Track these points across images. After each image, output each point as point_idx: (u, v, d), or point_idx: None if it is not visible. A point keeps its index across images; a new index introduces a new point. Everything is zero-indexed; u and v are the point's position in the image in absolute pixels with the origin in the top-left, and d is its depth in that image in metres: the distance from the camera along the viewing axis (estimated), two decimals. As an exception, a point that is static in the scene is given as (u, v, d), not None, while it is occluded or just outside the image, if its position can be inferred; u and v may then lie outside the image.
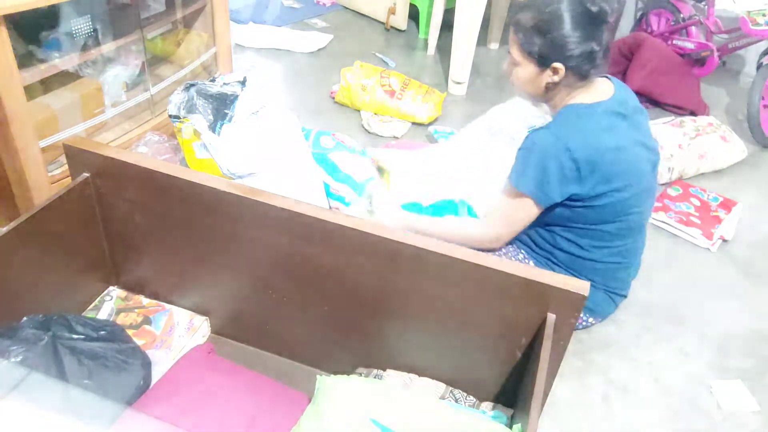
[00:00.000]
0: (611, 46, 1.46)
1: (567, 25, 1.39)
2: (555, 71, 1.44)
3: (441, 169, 1.91)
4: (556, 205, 1.49)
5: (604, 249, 1.55)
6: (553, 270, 1.60)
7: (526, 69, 1.48)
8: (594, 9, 1.38)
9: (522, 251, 1.66)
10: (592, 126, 1.44)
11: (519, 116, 2.08)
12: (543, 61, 1.44)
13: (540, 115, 2.09)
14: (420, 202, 1.81)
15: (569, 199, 1.46)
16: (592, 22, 1.39)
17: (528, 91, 1.54)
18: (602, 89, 1.49)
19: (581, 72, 1.44)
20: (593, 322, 1.70)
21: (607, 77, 1.53)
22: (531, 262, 1.63)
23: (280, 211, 1.24)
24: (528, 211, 1.51)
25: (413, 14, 3.63)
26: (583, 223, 1.52)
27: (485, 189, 1.83)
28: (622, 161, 1.45)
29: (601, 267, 1.57)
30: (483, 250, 1.52)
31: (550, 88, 1.49)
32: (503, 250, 1.69)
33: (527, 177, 1.46)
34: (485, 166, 1.92)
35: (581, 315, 1.65)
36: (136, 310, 1.53)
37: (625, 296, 1.68)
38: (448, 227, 1.62)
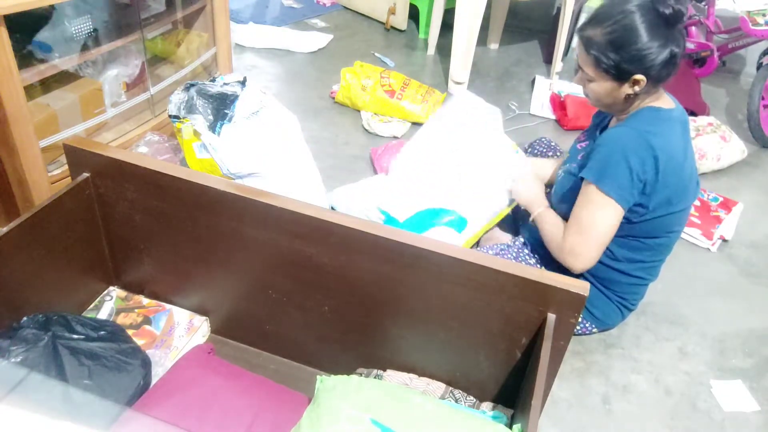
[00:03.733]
0: (686, 45, 1.41)
1: (643, 37, 1.33)
2: (636, 83, 1.38)
3: (409, 177, 1.87)
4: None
5: (636, 263, 1.53)
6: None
7: (603, 85, 1.42)
8: (668, 12, 1.31)
9: (535, 256, 1.64)
10: (670, 130, 1.40)
11: (468, 112, 2.03)
12: (622, 76, 1.38)
13: (490, 111, 2.04)
14: (395, 216, 1.79)
15: (636, 204, 1.41)
16: (668, 26, 1.33)
17: (605, 103, 1.47)
18: (669, 100, 1.47)
19: (663, 78, 1.40)
20: (596, 331, 1.69)
21: (668, 95, 1.51)
22: (542, 268, 1.62)
23: (280, 211, 1.24)
24: (606, 214, 1.40)
25: (413, 14, 3.63)
26: (627, 234, 1.48)
27: (461, 193, 1.82)
28: (684, 175, 1.42)
29: (624, 280, 1.56)
30: (569, 268, 1.47)
31: (629, 98, 1.43)
32: (515, 251, 1.65)
33: (610, 175, 1.37)
34: (452, 168, 1.89)
35: (587, 323, 1.64)
36: (136, 310, 1.53)
37: (634, 309, 1.68)
38: (549, 229, 1.54)
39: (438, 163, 1.92)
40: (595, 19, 1.40)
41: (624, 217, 1.42)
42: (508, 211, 1.85)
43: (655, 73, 1.37)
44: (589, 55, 1.40)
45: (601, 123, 1.64)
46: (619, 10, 1.36)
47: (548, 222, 1.55)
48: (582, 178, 1.43)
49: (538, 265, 1.63)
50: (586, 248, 1.42)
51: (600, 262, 1.50)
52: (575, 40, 1.46)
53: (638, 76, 1.37)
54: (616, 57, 1.36)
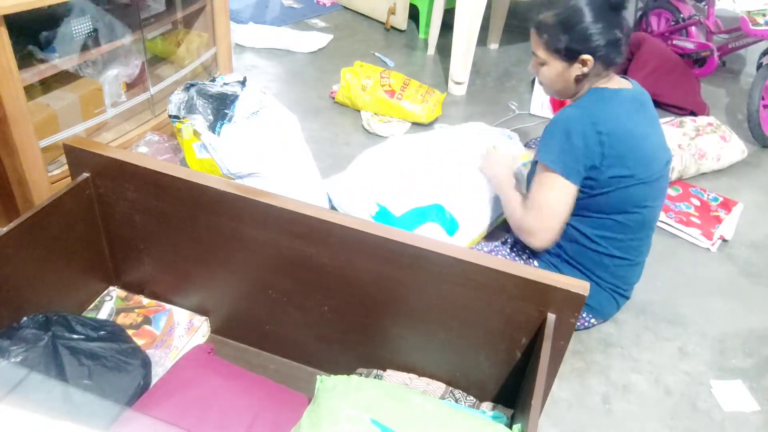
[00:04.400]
0: (630, 31, 1.51)
1: (588, 17, 1.44)
2: (584, 63, 1.47)
3: (408, 173, 1.88)
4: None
5: (612, 240, 1.55)
6: (560, 266, 1.60)
7: (554, 66, 1.52)
8: (612, 0, 1.43)
9: (527, 251, 1.66)
10: (617, 107, 1.48)
11: (472, 136, 2.08)
12: (570, 56, 1.48)
13: (503, 136, 2.09)
14: (392, 211, 1.80)
15: (587, 179, 1.47)
16: (612, 11, 1.44)
17: (557, 87, 1.57)
18: (622, 82, 1.54)
19: (609, 60, 1.48)
20: (595, 322, 1.70)
21: (626, 78, 1.57)
22: (535, 263, 1.63)
23: (280, 211, 1.24)
24: (559, 192, 1.47)
25: (413, 14, 3.63)
26: (596, 212, 1.52)
27: (461, 191, 1.83)
28: (641, 148, 1.47)
29: (608, 262, 1.57)
30: (529, 246, 1.56)
31: (579, 80, 1.52)
32: (507, 249, 1.68)
33: (553, 151, 1.47)
34: (452, 168, 1.90)
35: (584, 314, 1.65)
36: (136, 310, 1.53)
37: (628, 297, 1.68)
38: (511, 206, 1.61)
39: (438, 163, 1.93)
40: (547, 6, 1.51)
41: (583, 192, 1.49)
42: None
43: (601, 54, 1.46)
44: (540, 38, 1.51)
45: None
46: None
47: (511, 200, 1.62)
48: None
49: (531, 260, 1.64)
50: (541, 226, 1.51)
51: (580, 245, 1.56)
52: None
53: (585, 56, 1.46)
54: (564, 37, 1.47)
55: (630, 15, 3.72)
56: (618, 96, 1.49)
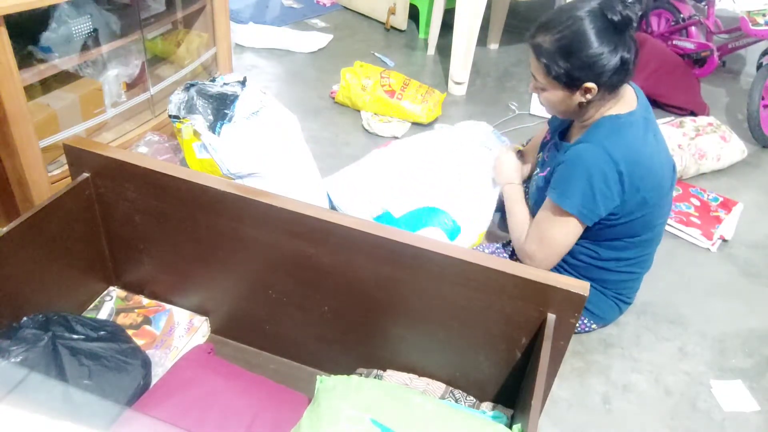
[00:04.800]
0: (638, 49, 1.40)
1: (593, 43, 1.31)
2: (587, 91, 1.36)
3: (408, 174, 1.87)
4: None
5: (623, 261, 1.54)
6: (563, 274, 1.59)
7: (555, 93, 1.40)
8: (616, 18, 1.30)
9: None
10: (633, 137, 1.38)
11: (472, 136, 2.07)
12: (573, 83, 1.36)
13: (492, 135, 2.08)
14: (391, 212, 1.79)
15: (609, 215, 1.41)
16: (618, 32, 1.31)
17: (559, 110, 1.46)
18: (629, 96, 1.45)
19: (615, 85, 1.37)
20: (596, 327, 1.69)
21: (630, 84, 1.49)
22: None
23: (280, 211, 1.24)
24: (568, 230, 1.43)
25: (413, 14, 3.63)
26: (610, 238, 1.49)
27: (461, 193, 1.82)
28: (656, 174, 1.42)
29: (616, 277, 1.57)
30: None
31: (582, 106, 1.41)
32: (510, 250, 1.68)
33: (572, 194, 1.38)
34: (452, 168, 1.89)
35: (585, 320, 1.65)
36: (136, 310, 1.53)
37: (630, 303, 1.68)
38: (515, 219, 1.59)
39: (438, 163, 1.93)
40: (545, 25, 1.37)
41: (601, 223, 1.43)
42: None
43: (606, 81, 1.34)
44: (539, 63, 1.38)
45: (559, 126, 1.62)
46: (568, 16, 1.33)
47: (519, 218, 1.60)
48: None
49: None
50: (544, 257, 1.48)
51: (588, 264, 1.54)
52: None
53: (589, 84, 1.34)
54: (565, 64, 1.33)
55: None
56: (630, 122, 1.39)
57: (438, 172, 1.89)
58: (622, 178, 1.35)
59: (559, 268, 1.59)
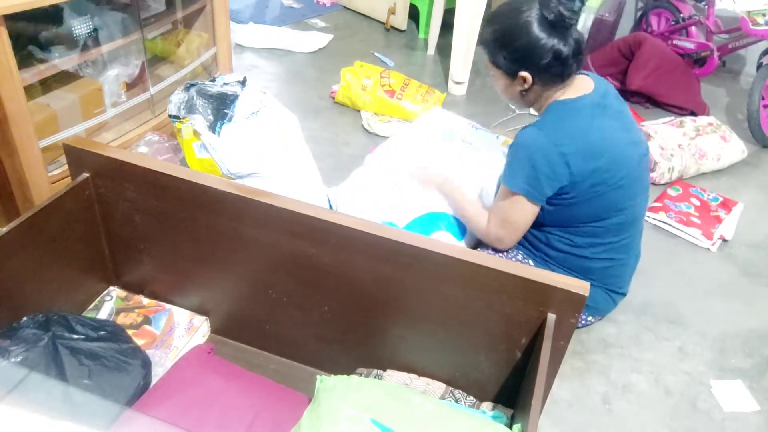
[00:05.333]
0: (584, 43, 1.46)
1: (527, 36, 1.40)
2: (524, 80, 1.46)
3: (402, 181, 1.85)
4: (550, 204, 1.49)
5: (599, 246, 1.55)
6: (550, 270, 1.60)
7: (499, 80, 1.54)
8: (551, 17, 1.37)
9: (520, 252, 1.66)
10: (579, 120, 1.44)
11: (449, 131, 2.06)
12: (510, 72, 1.48)
13: (469, 124, 2.08)
14: (395, 222, 1.77)
15: (562, 194, 1.46)
16: (553, 28, 1.39)
17: (507, 98, 1.59)
18: (583, 84, 1.50)
19: (552, 76, 1.44)
20: (593, 320, 1.70)
21: (584, 73, 1.53)
22: (530, 262, 1.64)
23: (280, 211, 1.24)
24: (523, 210, 1.51)
25: (413, 14, 3.63)
26: (578, 222, 1.52)
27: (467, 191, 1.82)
28: (609, 153, 1.44)
29: (597, 266, 1.57)
30: (494, 249, 1.61)
31: (524, 95, 1.52)
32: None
33: (518, 176, 1.47)
34: (450, 170, 1.89)
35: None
36: (136, 310, 1.53)
37: (625, 294, 1.68)
38: (470, 213, 1.64)
39: (438, 164, 1.92)
40: (491, 18, 1.50)
41: (560, 206, 1.48)
42: None
43: (539, 72, 1.43)
44: (485, 51, 1.51)
45: None
46: (509, 9, 1.44)
47: (466, 206, 1.66)
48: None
49: (526, 260, 1.65)
50: (508, 237, 1.57)
51: (566, 253, 1.57)
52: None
53: (523, 74, 1.45)
54: (501, 53, 1.46)
55: (630, 14, 3.72)
56: (578, 107, 1.45)
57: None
58: (567, 159, 1.41)
59: (542, 262, 1.61)
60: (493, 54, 1.48)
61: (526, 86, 1.48)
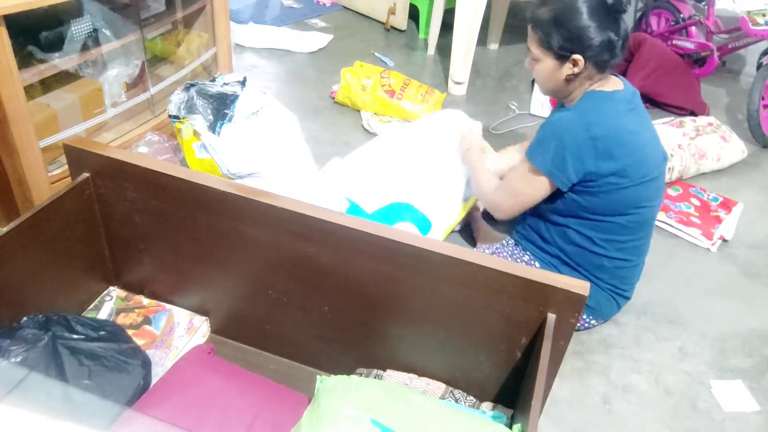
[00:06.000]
0: (628, 35, 1.49)
1: (584, 17, 1.42)
2: (575, 63, 1.46)
3: (378, 169, 1.91)
4: (573, 190, 1.50)
5: (614, 243, 1.56)
6: (559, 267, 1.61)
7: (546, 64, 1.51)
8: (609, 0, 1.41)
9: (528, 253, 1.66)
10: (613, 109, 1.47)
11: (449, 125, 2.09)
12: (562, 54, 1.47)
13: (471, 125, 2.10)
14: (364, 208, 1.82)
15: (585, 181, 1.47)
16: (608, 13, 1.42)
17: (549, 85, 1.56)
18: (615, 81, 1.54)
19: (601, 62, 1.46)
20: (595, 323, 1.70)
21: (617, 76, 1.56)
22: (537, 264, 1.63)
23: (280, 211, 1.24)
24: (538, 188, 1.52)
25: (413, 14, 3.63)
26: (596, 214, 1.53)
27: (430, 188, 1.85)
28: (638, 148, 1.47)
29: (609, 264, 1.58)
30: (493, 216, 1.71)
31: (570, 80, 1.51)
32: (509, 251, 1.69)
33: (545, 154, 1.48)
34: (421, 162, 1.93)
35: (584, 315, 1.65)
36: (136, 310, 1.53)
37: (629, 298, 1.69)
38: (482, 177, 1.73)
39: (407, 156, 1.94)
40: (546, 1, 1.51)
41: (582, 194, 1.50)
42: (475, 199, 1.93)
43: (592, 55, 1.45)
44: (535, 33, 1.50)
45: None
46: None
47: (481, 174, 1.75)
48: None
49: (532, 261, 1.64)
50: (510, 209, 1.62)
51: (582, 248, 1.57)
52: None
53: (576, 57, 1.45)
54: (557, 34, 1.45)
55: (630, 15, 3.72)
56: (612, 99, 1.49)
57: (407, 165, 1.91)
58: (596, 143, 1.43)
59: (555, 258, 1.62)
60: (547, 34, 1.47)
61: (576, 70, 1.47)
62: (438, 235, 1.83)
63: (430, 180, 1.87)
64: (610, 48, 1.43)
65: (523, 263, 1.64)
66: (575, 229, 1.56)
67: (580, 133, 1.43)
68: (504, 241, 1.76)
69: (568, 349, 1.21)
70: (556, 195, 1.54)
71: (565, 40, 1.45)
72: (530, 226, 1.67)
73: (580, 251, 1.58)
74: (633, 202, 1.51)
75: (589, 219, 1.54)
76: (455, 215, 1.89)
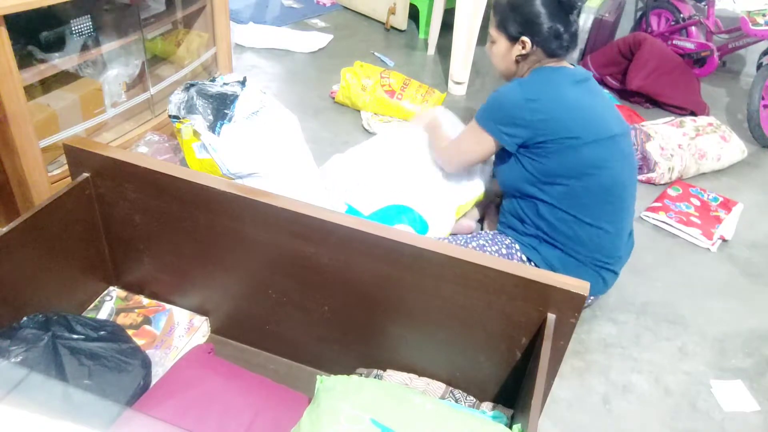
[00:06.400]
0: (577, 33, 1.64)
1: (536, 4, 1.59)
2: (523, 45, 1.63)
3: (375, 171, 1.94)
4: (527, 155, 1.61)
5: (578, 208, 1.58)
6: (538, 247, 1.63)
7: (500, 45, 1.69)
8: None
9: (509, 237, 1.67)
10: (555, 79, 1.62)
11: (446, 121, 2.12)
12: (513, 35, 1.64)
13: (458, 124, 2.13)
14: (358, 209, 1.84)
15: (536, 144, 1.58)
16: (560, 7, 1.58)
17: (502, 66, 1.74)
18: (567, 65, 1.67)
19: (548, 49, 1.62)
20: (587, 301, 1.69)
21: (571, 63, 1.69)
22: (517, 246, 1.65)
23: (280, 211, 1.24)
24: (479, 143, 1.70)
25: (413, 14, 3.63)
26: (553, 177, 1.58)
27: (428, 193, 1.87)
28: (581, 111, 1.58)
29: (583, 234, 1.59)
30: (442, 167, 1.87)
31: (519, 61, 1.68)
32: (490, 234, 1.71)
33: (488, 115, 1.66)
34: (416, 167, 1.95)
35: None
36: (136, 310, 1.53)
37: (616, 273, 1.68)
38: (438, 139, 1.92)
39: (404, 159, 1.96)
40: None
41: (535, 158, 1.60)
42: (474, 202, 1.95)
43: (540, 41, 1.61)
44: (494, 17, 1.69)
45: None
46: None
47: (439, 132, 1.95)
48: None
49: (513, 244, 1.67)
50: (458, 163, 1.83)
51: (549, 219, 1.62)
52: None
53: (525, 38, 1.62)
54: (511, 17, 1.63)
55: (630, 15, 3.72)
56: (556, 72, 1.63)
57: (404, 166, 1.93)
58: (532, 106, 1.57)
59: (533, 237, 1.65)
60: (503, 17, 1.65)
61: (524, 51, 1.64)
62: (439, 234, 1.83)
63: (426, 181, 1.88)
64: (557, 37, 1.59)
65: (504, 247, 1.65)
66: (542, 199, 1.61)
67: (517, 96, 1.59)
68: (476, 231, 1.82)
69: (568, 349, 1.21)
70: (516, 165, 1.65)
71: (517, 24, 1.62)
72: (507, 210, 1.74)
73: (553, 224, 1.61)
74: (588, 162, 1.56)
75: (547, 183, 1.60)
76: (450, 224, 1.90)
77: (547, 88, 1.60)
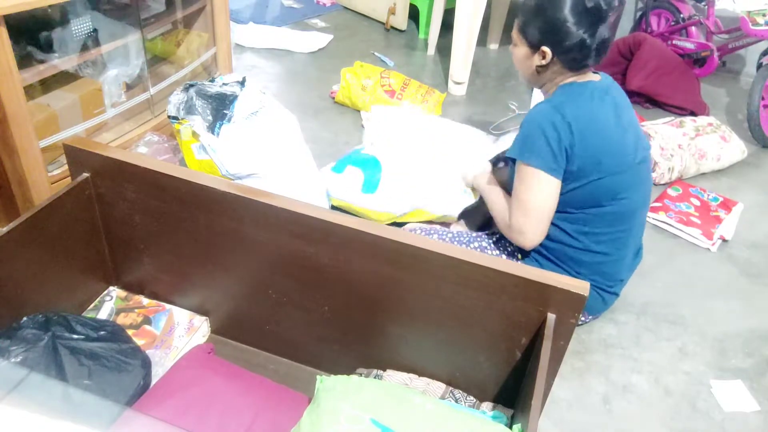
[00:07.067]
0: (610, 45, 1.49)
1: (562, 12, 1.42)
2: (543, 55, 1.48)
3: (405, 139, 1.99)
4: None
5: (590, 235, 1.54)
6: (541, 262, 1.61)
7: (521, 49, 1.54)
8: (589, 4, 1.41)
9: (510, 244, 1.66)
10: (583, 98, 1.48)
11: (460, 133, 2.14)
12: (534, 43, 1.49)
13: (481, 136, 2.14)
14: (382, 167, 1.88)
15: (565, 172, 1.47)
16: (587, 15, 1.42)
17: (522, 72, 1.60)
18: (592, 76, 1.54)
19: (570, 60, 1.47)
20: (584, 319, 1.69)
21: (597, 73, 1.57)
22: (519, 255, 1.64)
23: (280, 211, 1.24)
24: (544, 189, 1.47)
25: (413, 14, 3.63)
26: (570, 207, 1.52)
27: (446, 170, 1.90)
28: (612, 138, 1.47)
29: (587, 258, 1.56)
30: (520, 247, 1.59)
31: (539, 71, 1.53)
32: (494, 238, 1.69)
33: (532, 149, 1.45)
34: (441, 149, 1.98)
35: None
36: (136, 310, 1.53)
37: (617, 294, 1.67)
38: (497, 207, 1.63)
39: (433, 139, 1.99)
40: None
41: (563, 184, 1.48)
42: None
43: (561, 52, 1.46)
44: (518, 19, 1.53)
45: None
46: None
47: (496, 200, 1.64)
48: (513, 160, 1.53)
49: (516, 254, 1.65)
50: (531, 226, 1.51)
51: (560, 242, 1.56)
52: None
53: (545, 49, 1.47)
54: (534, 23, 1.47)
55: (630, 15, 3.72)
56: (586, 87, 1.49)
57: (430, 146, 1.97)
58: (572, 129, 1.42)
59: (536, 253, 1.61)
60: (524, 21, 1.50)
61: (543, 62, 1.49)
62: (399, 209, 1.88)
63: (446, 161, 1.92)
64: (582, 49, 1.43)
65: (505, 255, 1.64)
66: (552, 223, 1.55)
67: (556, 119, 1.43)
68: (489, 231, 1.77)
69: (568, 349, 1.21)
70: None
71: (539, 31, 1.46)
72: None
73: (559, 246, 1.57)
74: (607, 194, 1.50)
75: (565, 212, 1.53)
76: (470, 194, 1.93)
77: (579, 106, 1.45)
